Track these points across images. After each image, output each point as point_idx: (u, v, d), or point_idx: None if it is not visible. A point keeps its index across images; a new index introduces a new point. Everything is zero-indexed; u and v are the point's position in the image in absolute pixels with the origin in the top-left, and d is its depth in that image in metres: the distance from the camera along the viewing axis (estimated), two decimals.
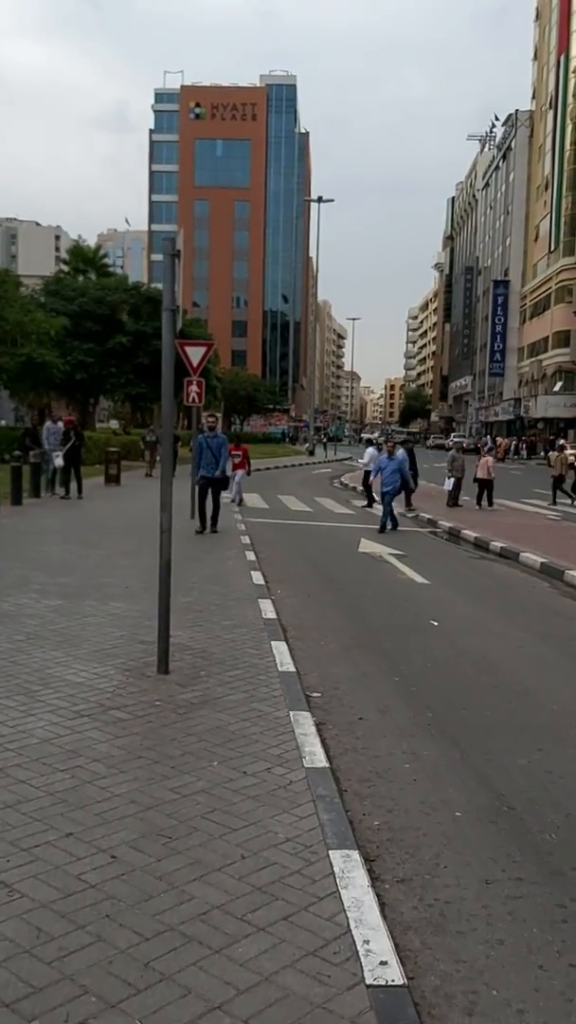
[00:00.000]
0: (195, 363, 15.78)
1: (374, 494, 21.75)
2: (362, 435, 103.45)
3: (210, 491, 14.61)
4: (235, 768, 4.55)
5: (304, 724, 5.26)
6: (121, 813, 3.99)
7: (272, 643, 7.24)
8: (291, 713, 5.45)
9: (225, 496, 20.02)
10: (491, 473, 21.63)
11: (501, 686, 6.79)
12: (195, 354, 15.75)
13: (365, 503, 22.32)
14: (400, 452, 16.93)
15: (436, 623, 8.96)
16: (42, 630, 7.36)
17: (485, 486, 21.68)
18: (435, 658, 7.54)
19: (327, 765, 4.67)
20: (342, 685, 6.54)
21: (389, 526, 16.47)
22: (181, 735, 5.00)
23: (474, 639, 8.35)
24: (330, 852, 3.69)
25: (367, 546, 14.41)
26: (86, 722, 5.15)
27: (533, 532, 17.03)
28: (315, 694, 6.23)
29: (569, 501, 23.74)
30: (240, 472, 20.34)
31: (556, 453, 25.23)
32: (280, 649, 7.07)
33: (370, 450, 23.27)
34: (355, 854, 3.69)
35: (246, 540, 13.85)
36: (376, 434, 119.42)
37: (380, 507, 17.54)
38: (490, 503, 21.80)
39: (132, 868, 3.50)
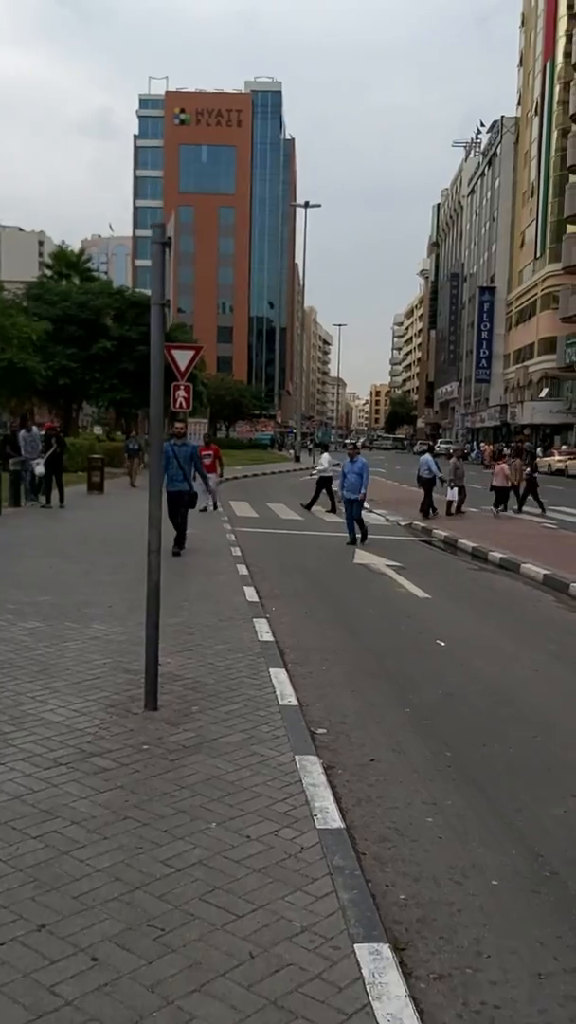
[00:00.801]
0: (182, 367, 15.14)
1: (336, 500, 21.17)
2: (346, 440, 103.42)
3: (178, 508, 12.67)
4: (236, 831, 3.93)
5: (312, 772, 4.64)
6: (104, 895, 3.36)
7: (271, 670, 6.62)
8: (296, 758, 4.83)
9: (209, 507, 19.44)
10: (508, 480, 21.38)
11: (521, 717, 6.20)
12: (182, 358, 15.11)
13: (307, 504, 21.79)
14: (361, 458, 15.78)
15: (443, 643, 8.37)
16: (17, 657, 6.71)
17: (502, 493, 21.50)
18: (446, 684, 6.95)
19: (342, 825, 4.05)
20: (349, 719, 5.93)
21: (358, 535, 15.53)
22: (172, 788, 4.37)
23: (485, 661, 7.76)
24: (356, 947, 3.07)
25: (362, 557, 13.83)
26: (64, 773, 4.51)
27: (531, 541, 16.49)
28: (320, 730, 5.62)
29: (515, 509, 22.90)
30: (213, 476, 19.28)
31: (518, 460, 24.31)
32: (280, 677, 6.45)
33: (325, 455, 23.00)
34: (385, 949, 3.08)
35: (237, 552, 13.23)
36: (361, 440, 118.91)
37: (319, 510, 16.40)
38: (501, 508, 21.68)
39: (117, 975, 2.87)
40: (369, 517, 20.77)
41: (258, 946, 3.06)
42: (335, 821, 4.07)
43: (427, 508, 20.25)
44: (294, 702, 5.88)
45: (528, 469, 22.89)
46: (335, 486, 16.82)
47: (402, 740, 5.58)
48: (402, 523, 19.68)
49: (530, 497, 23.11)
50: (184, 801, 4.22)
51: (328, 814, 4.13)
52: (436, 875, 3.85)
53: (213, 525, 16.93)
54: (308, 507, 21.55)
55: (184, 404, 16.03)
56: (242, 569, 11.59)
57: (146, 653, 5.51)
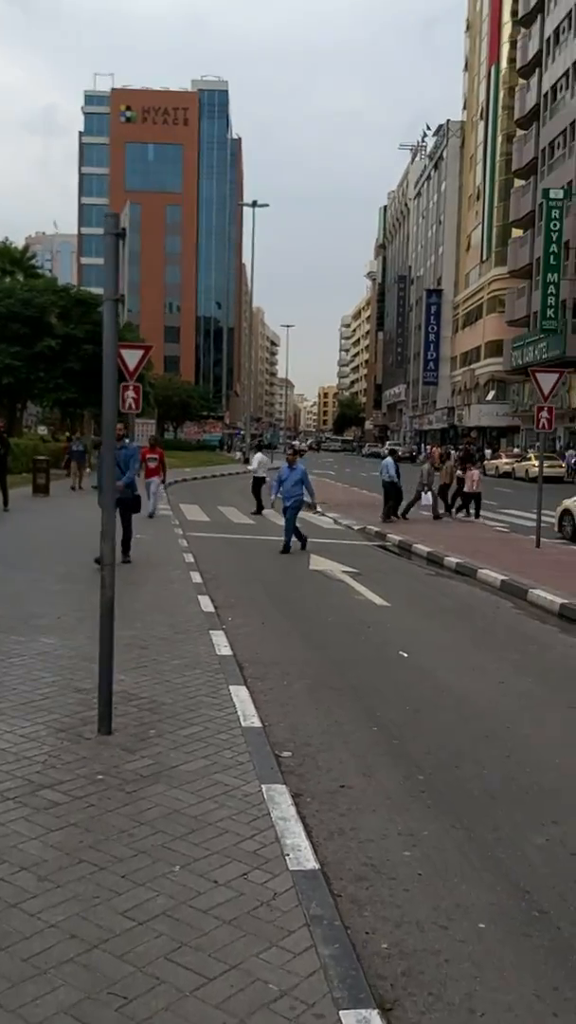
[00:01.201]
0: (132, 367, 14.76)
1: (265, 503, 20.68)
2: (293, 442, 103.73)
3: (118, 513, 12.19)
4: (202, 874, 3.60)
5: (281, 804, 4.33)
6: (58, 956, 3.01)
7: (231, 688, 6.29)
8: (263, 787, 4.51)
9: (161, 509, 18.97)
10: (478, 486, 21.60)
11: (491, 734, 5.97)
12: (132, 357, 14.73)
13: (255, 510, 21.60)
14: (300, 465, 14.95)
15: (405, 654, 8.13)
16: None
17: (472, 498, 21.77)
18: (412, 699, 6.69)
19: (316, 866, 3.75)
20: (314, 739, 5.64)
21: (298, 545, 14.71)
22: (131, 825, 4.03)
23: (451, 673, 7.54)
24: (341, 1014, 2.76)
25: (318, 563, 13.56)
26: (11, 808, 4.13)
27: (485, 545, 16.41)
28: (285, 753, 5.32)
29: (449, 512, 22.75)
30: (155, 480, 18.56)
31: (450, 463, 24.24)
32: (240, 695, 6.13)
33: (258, 455, 22.70)
34: (374, 1016, 2.77)
35: (190, 558, 12.86)
36: (309, 441, 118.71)
37: (271, 514, 15.17)
38: (466, 513, 21.99)
39: None
40: (321, 521, 20.63)
41: (233, 1016, 2.74)
42: (309, 861, 3.77)
43: (389, 513, 20.15)
44: (257, 723, 5.56)
45: (460, 471, 22.91)
46: (274, 492, 15.58)
47: (372, 762, 5.31)
48: (355, 527, 19.47)
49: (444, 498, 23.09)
50: (144, 840, 3.88)
51: (301, 853, 3.83)
52: (419, 919, 3.57)
53: (164, 530, 16.54)
54: (258, 512, 21.30)
55: (134, 405, 15.62)
56: (196, 577, 11.24)
57: (99, 675, 5.15)
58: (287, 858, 3.77)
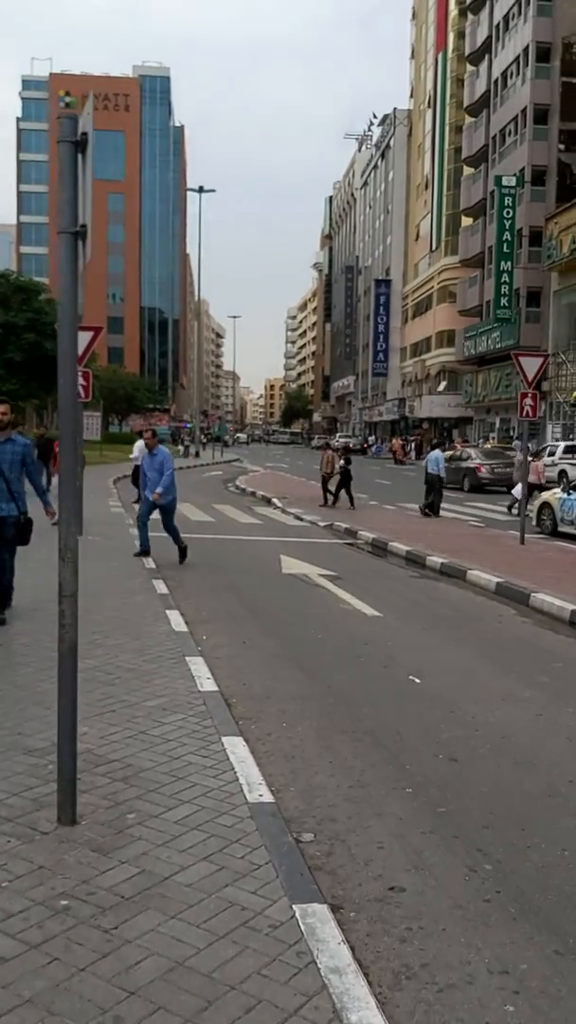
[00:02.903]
0: (79, 351, 13.27)
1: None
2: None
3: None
4: None
5: (328, 941, 3.03)
6: None
7: (224, 740, 4.97)
8: (296, 910, 3.21)
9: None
10: (541, 477, 21.33)
11: (556, 792, 4.77)
12: (80, 339, 13.24)
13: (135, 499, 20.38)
14: (163, 449, 12.42)
15: (417, 680, 6.90)
16: None
17: (535, 490, 21.21)
18: (443, 743, 5.46)
19: None
20: (338, 810, 4.37)
21: (181, 548, 12.27)
22: (115, 996, 2.69)
23: (477, 704, 6.32)
24: None
25: (291, 565, 12.29)
26: None
27: (465, 543, 15.30)
28: (306, 836, 4.04)
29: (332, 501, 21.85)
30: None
31: (329, 452, 22.97)
32: (237, 751, 4.82)
33: (139, 442, 21.34)
34: None
35: (150, 564, 11.47)
36: (257, 433, 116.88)
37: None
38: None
39: None
40: (283, 517, 19.37)
41: None
42: None
43: (434, 507, 19.56)
44: (267, 797, 4.25)
45: (343, 462, 21.76)
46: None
47: (419, 846, 4.05)
48: (321, 523, 18.23)
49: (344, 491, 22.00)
50: None
51: None
52: None
53: (119, 531, 15.12)
54: (138, 501, 20.15)
55: (83, 392, 14.15)
56: (160, 586, 9.87)
57: (59, 746, 3.79)
58: None
